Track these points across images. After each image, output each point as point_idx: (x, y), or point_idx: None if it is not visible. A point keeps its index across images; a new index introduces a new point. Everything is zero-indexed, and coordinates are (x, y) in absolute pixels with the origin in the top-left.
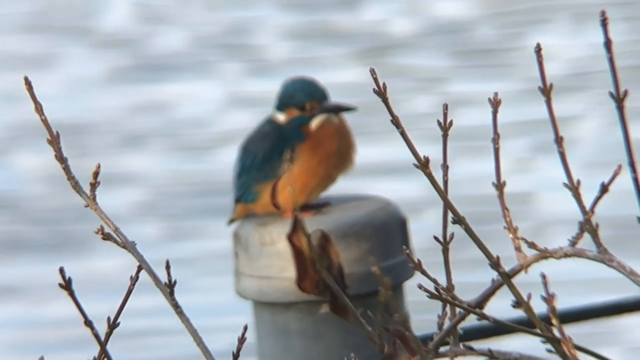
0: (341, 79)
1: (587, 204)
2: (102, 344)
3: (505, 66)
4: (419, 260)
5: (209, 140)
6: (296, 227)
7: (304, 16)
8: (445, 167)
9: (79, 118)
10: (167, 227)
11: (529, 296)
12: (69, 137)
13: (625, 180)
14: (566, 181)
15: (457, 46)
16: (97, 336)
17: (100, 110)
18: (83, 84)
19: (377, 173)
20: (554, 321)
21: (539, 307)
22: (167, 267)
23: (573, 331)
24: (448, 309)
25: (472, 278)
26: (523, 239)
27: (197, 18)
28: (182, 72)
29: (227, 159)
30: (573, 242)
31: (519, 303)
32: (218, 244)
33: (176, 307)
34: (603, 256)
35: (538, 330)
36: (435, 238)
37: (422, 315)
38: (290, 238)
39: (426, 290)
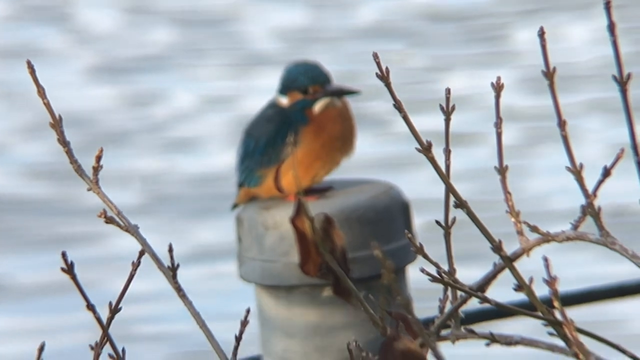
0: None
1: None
2: (105, 328)
3: (495, 54)
4: (420, 244)
5: (189, 137)
6: (299, 210)
7: (291, 14)
8: (447, 152)
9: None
10: (153, 225)
11: (531, 279)
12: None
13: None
14: (562, 165)
15: (448, 35)
16: (99, 320)
17: (78, 106)
18: (61, 80)
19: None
20: (556, 304)
21: (541, 290)
22: (170, 250)
23: (575, 314)
24: (450, 292)
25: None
26: (525, 222)
27: (180, 15)
28: (164, 69)
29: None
30: (575, 226)
31: (520, 286)
32: (205, 241)
33: (179, 290)
34: (605, 239)
35: (540, 313)
36: (437, 222)
37: (424, 299)
38: (293, 221)
39: (428, 274)
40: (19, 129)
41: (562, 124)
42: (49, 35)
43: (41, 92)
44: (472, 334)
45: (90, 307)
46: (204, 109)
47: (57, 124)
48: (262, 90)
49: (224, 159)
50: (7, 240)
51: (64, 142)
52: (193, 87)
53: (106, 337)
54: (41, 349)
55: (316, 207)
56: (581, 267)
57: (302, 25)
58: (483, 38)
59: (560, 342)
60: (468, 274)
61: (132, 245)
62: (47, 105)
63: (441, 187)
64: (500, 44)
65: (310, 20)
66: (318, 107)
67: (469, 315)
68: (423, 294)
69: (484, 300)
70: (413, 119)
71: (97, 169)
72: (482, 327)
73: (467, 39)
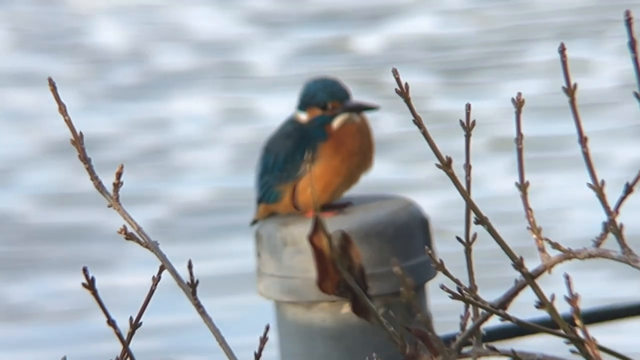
0: None
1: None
2: (125, 343)
3: (485, 84)
4: (441, 260)
5: (191, 164)
6: (317, 227)
7: (289, 43)
8: (467, 168)
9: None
10: (169, 249)
11: (553, 297)
12: (65, 156)
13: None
14: (574, 184)
15: (438, 64)
16: (119, 335)
17: (92, 129)
18: (73, 102)
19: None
20: (578, 322)
21: (562, 307)
22: (190, 266)
23: (597, 332)
24: (471, 309)
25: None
26: (547, 239)
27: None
28: (173, 90)
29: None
30: (597, 243)
31: (542, 303)
32: (220, 264)
33: (198, 306)
34: (627, 257)
35: (562, 331)
36: (458, 238)
37: (445, 316)
38: (311, 239)
39: (449, 291)
40: (28, 155)
41: (583, 141)
42: (52, 62)
43: (62, 109)
44: (494, 351)
45: (111, 322)
46: (207, 135)
47: (77, 141)
48: (263, 117)
49: (224, 186)
50: (26, 266)
51: (84, 159)
52: (197, 114)
53: (127, 353)
54: None
55: (335, 223)
56: (603, 285)
57: (300, 54)
58: (472, 68)
59: None
60: (487, 296)
61: (150, 271)
62: (69, 122)
63: (435, 215)
64: (490, 74)
65: (311, 49)
66: (337, 123)
67: (490, 332)
68: (444, 310)
69: (506, 317)
70: (406, 145)
71: (117, 186)
72: (503, 345)
73: (457, 69)
